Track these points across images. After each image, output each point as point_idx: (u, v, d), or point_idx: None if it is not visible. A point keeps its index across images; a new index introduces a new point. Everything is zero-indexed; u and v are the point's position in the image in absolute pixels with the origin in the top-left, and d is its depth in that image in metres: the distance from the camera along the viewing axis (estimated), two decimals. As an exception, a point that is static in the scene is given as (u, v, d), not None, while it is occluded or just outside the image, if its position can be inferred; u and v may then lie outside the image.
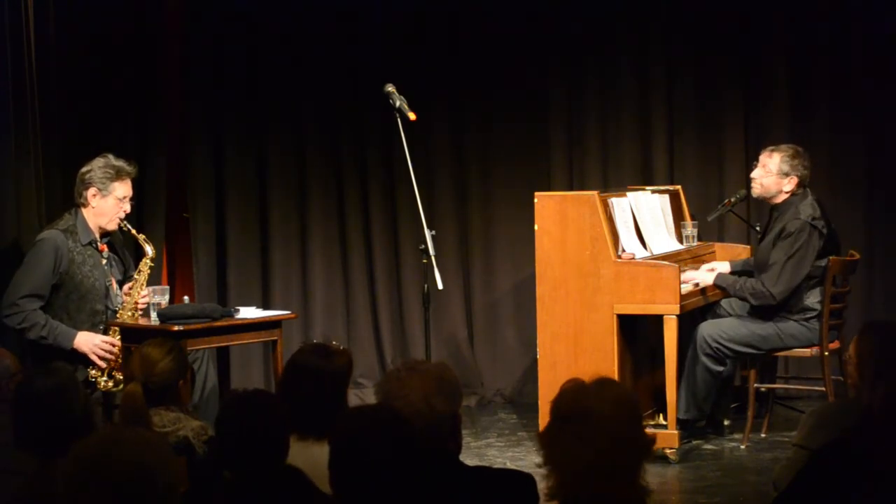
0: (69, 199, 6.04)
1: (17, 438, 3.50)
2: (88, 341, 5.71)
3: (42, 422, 3.45)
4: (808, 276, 6.36)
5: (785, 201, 6.48)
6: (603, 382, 2.77)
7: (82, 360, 5.71)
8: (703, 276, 6.55)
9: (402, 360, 7.25)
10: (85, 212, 5.88)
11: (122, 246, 6.18)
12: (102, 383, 5.73)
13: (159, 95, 7.29)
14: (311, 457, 3.48)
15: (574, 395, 2.73)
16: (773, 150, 6.54)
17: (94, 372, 5.74)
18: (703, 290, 6.60)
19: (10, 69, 6.00)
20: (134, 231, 6.00)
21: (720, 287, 6.52)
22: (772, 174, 6.48)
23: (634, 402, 2.79)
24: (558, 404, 2.75)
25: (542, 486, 2.77)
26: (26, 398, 3.55)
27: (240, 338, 5.85)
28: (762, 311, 6.45)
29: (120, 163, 5.93)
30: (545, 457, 2.74)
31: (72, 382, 3.63)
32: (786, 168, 6.46)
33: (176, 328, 5.45)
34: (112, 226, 5.93)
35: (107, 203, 5.88)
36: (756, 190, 6.58)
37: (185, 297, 6.22)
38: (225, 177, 7.68)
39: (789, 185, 6.46)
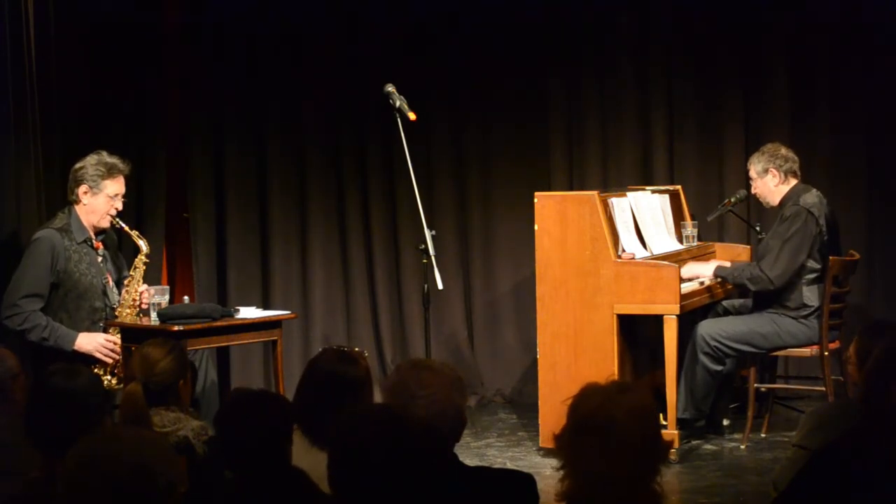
0: (69, 199, 6.03)
1: (28, 433, 3.50)
2: (92, 340, 5.72)
3: (56, 420, 3.44)
4: (807, 270, 6.37)
5: (786, 196, 6.50)
6: (622, 388, 2.75)
7: (83, 360, 5.71)
8: (705, 268, 6.56)
9: (409, 360, 7.26)
10: (78, 209, 5.87)
11: (115, 246, 6.18)
12: (106, 382, 5.73)
13: (159, 95, 7.29)
14: (317, 461, 3.46)
15: (594, 403, 2.70)
16: (748, 163, 6.67)
17: (97, 370, 5.73)
18: (710, 289, 6.61)
19: (10, 69, 6.00)
20: (127, 228, 5.99)
21: (720, 276, 6.53)
22: (756, 179, 6.59)
23: (653, 408, 2.78)
24: (577, 410, 2.72)
25: (547, 488, 2.76)
26: (45, 395, 3.54)
27: (240, 338, 5.85)
28: (761, 307, 6.46)
29: (113, 160, 5.91)
30: (562, 461, 2.73)
31: (93, 385, 3.62)
32: (760, 167, 6.55)
33: (176, 328, 5.45)
34: (104, 223, 5.92)
35: (98, 200, 5.86)
36: (762, 202, 6.69)
37: (185, 297, 6.22)
38: (225, 177, 7.68)
39: (772, 178, 6.51)
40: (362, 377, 3.77)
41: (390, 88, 6.10)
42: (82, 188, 5.85)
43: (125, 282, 5.96)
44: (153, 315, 5.64)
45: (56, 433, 3.37)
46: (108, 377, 5.75)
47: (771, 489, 4.09)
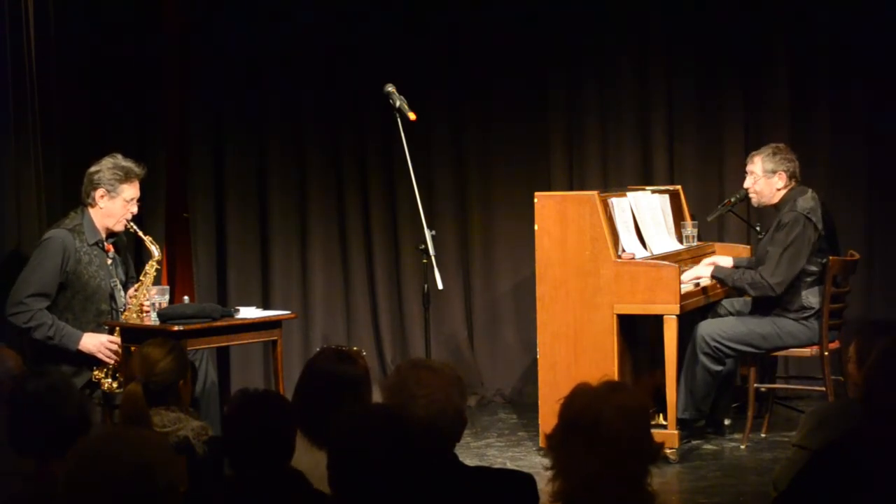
0: (69, 199, 6.03)
1: (12, 440, 3.49)
2: (95, 340, 5.71)
3: (35, 424, 3.43)
4: (806, 273, 6.37)
5: (783, 199, 6.49)
6: (613, 388, 2.74)
7: (86, 360, 5.71)
8: (703, 269, 6.55)
9: (409, 359, 7.26)
10: (92, 212, 5.87)
11: (125, 248, 6.18)
12: (107, 385, 5.72)
13: (159, 95, 7.28)
14: (317, 461, 3.46)
15: (583, 402, 2.70)
16: (753, 155, 6.61)
17: (97, 373, 5.73)
18: (705, 290, 6.60)
19: (10, 69, 6.00)
20: (140, 233, 6.00)
21: (717, 278, 6.52)
22: (759, 177, 6.53)
23: (644, 408, 2.77)
24: (567, 410, 2.72)
25: (547, 488, 2.75)
26: (19, 400, 3.53)
27: (240, 338, 5.85)
28: (761, 309, 6.46)
29: (129, 164, 5.91)
30: (552, 461, 2.73)
31: (64, 384, 3.61)
32: (769, 166, 6.50)
33: (176, 328, 5.45)
34: (119, 227, 5.92)
35: (115, 204, 5.86)
36: (754, 199, 6.66)
37: (185, 297, 6.22)
38: (225, 177, 7.69)
39: (779, 181, 6.50)
40: (361, 376, 3.77)
41: (390, 88, 6.10)
42: (99, 192, 5.84)
43: (134, 286, 5.94)
44: (153, 315, 5.64)
45: (40, 436, 3.37)
46: (109, 380, 5.74)
47: (771, 489, 4.10)
